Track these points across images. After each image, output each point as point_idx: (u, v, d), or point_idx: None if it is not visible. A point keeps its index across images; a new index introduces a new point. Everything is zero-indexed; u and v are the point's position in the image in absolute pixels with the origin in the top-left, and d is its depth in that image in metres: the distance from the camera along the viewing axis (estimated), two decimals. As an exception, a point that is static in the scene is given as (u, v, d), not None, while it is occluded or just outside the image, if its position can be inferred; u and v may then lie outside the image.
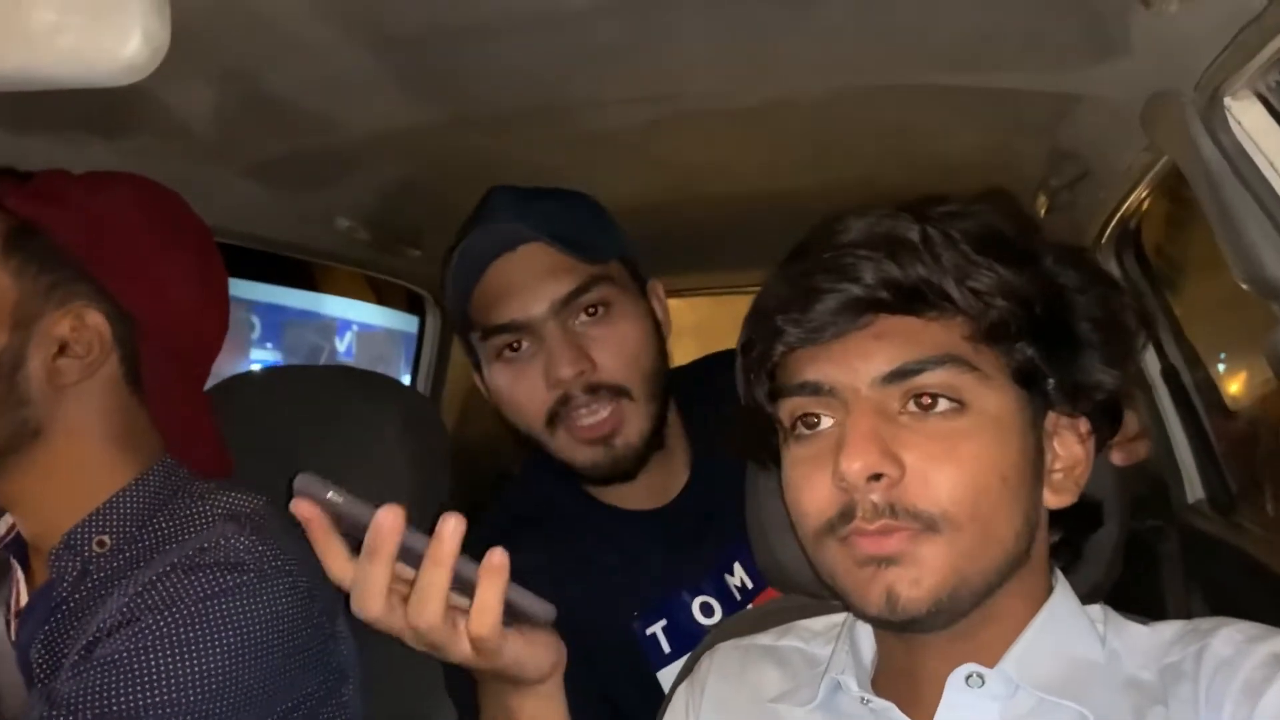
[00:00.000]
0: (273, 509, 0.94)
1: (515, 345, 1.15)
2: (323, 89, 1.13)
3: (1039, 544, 0.75)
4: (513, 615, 0.73)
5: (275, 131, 1.24)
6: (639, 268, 1.24)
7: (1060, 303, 0.72)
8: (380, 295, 2.36)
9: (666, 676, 1.16)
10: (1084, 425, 0.75)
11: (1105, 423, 0.77)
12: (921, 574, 0.68)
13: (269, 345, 3.80)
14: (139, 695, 0.80)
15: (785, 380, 0.74)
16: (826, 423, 0.72)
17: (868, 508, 0.69)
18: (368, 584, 0.70)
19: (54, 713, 0.80)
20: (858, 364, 0.71)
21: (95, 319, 0.90)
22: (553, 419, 1.15)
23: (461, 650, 0.73)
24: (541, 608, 0.74)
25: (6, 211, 0.90)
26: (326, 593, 0.93)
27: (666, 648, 1.16)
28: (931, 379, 0.69)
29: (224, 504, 0.93)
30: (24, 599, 0.93)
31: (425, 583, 0.70)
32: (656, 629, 1.17)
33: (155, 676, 0.81)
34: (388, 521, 0.68)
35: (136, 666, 0.81)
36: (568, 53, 1.08)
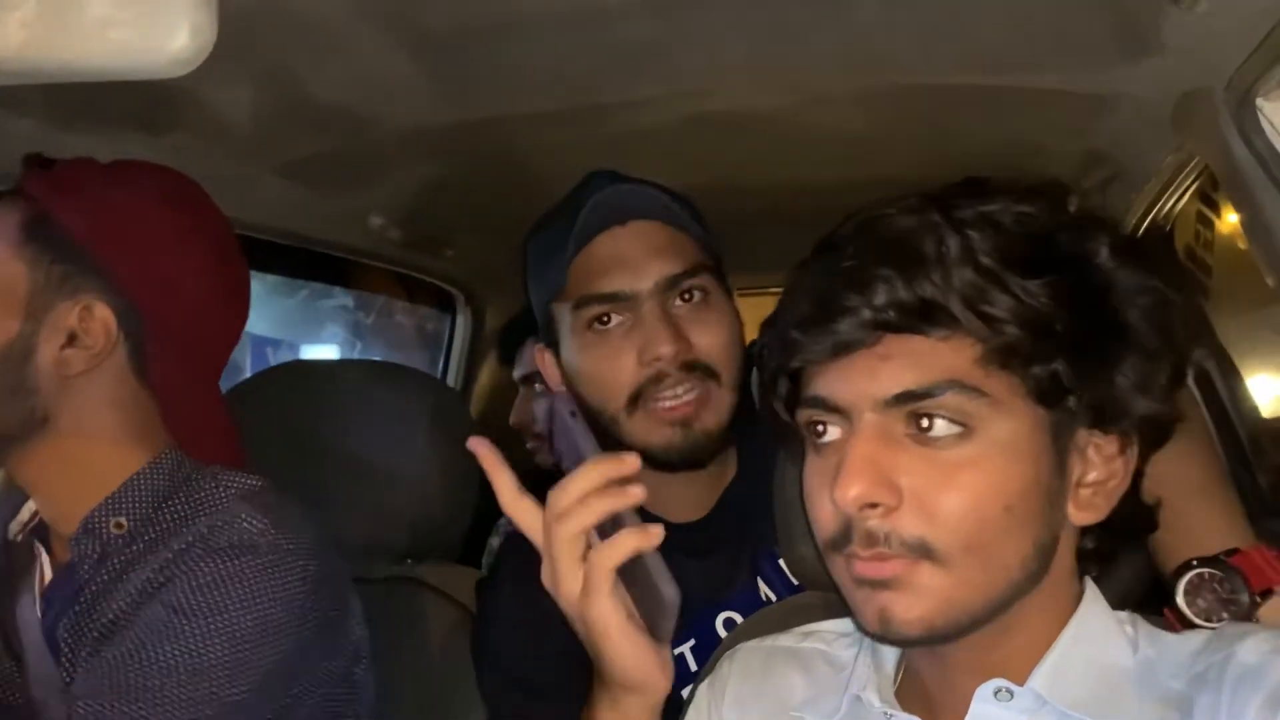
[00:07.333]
0: (283, 493, 0.95)
1: (605, 318, 1.12)
2: (358, 88, 1.15)
3: (1061, 557, 0.73)
4: (636, 577, 0.74)
5: (311, 130, 1.26)
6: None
7: (1095, 315, 0.69)
8: (411, 294, 2.39)
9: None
10: (1116, 442, 0.71)
11: (1148, 438, 0.73)
12: (915, 600, 0.68)
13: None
14: (159, 682, 0.82)
15: (800, 390, 0.74)
16: (835, 433, 0.72)
17: (862, 534, 0.68)
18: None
19: (77, 705, 0.82)
20: (863, 384, 0.69)
21: (103, 312, 0.92)
22: (635, 399, 1.12)
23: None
24: (669, 588, 0.72)
25: (29, 199, 0.92)
26: (338, 574, 0.95)
27: (694, 666, 1.14)
28: (935, 404, 0.67)
29: (236, 484, 0.95)
30: (49, 579, 0.96)
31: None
32: (684, 649, 1.15)
33: (173, 664, 0.83)
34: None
35: (153, 656, 0.83)
36: (601, 52, 1.09)
